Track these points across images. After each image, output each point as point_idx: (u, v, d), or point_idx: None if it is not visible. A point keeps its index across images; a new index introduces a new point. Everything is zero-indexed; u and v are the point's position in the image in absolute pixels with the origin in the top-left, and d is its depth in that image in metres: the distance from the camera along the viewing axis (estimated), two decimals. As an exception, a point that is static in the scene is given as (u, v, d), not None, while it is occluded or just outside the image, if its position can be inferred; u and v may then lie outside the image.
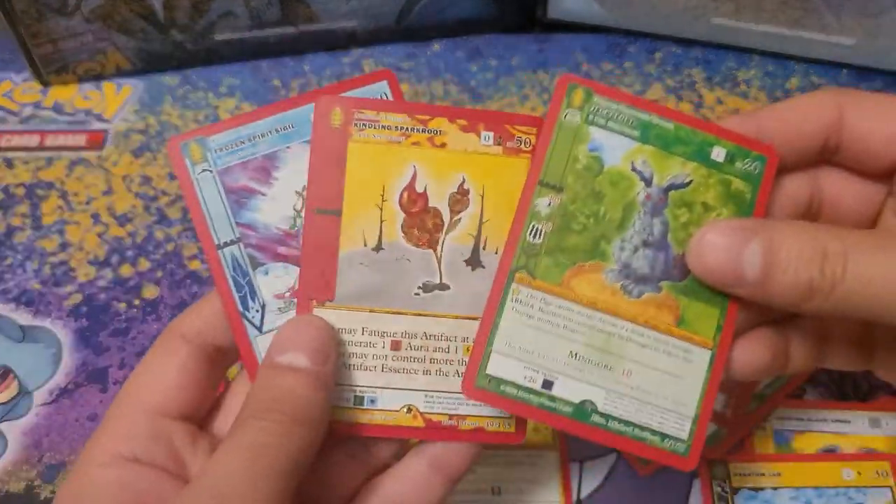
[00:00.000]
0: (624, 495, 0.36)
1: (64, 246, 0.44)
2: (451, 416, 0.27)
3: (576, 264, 0.27)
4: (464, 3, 0.51)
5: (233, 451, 0.23)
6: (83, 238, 0.44)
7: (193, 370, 0.28)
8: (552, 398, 0.26)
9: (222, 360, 0.29)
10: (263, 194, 0.28)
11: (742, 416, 0.37)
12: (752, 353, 0.28)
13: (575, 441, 0.37)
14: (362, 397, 0.27)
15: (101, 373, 0.40)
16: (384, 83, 0.29)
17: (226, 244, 0.28)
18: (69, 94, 0.50)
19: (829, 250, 0.25)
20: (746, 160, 0.28)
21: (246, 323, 0.28)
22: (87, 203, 0.45)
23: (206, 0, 0.47)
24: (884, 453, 0.36)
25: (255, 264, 0.28)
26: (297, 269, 0.28)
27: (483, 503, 0.35)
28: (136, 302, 0.42)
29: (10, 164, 0.47)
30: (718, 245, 0.26)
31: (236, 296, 0.28)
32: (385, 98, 0.29)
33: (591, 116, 0.27)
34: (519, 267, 0.27)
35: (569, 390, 0.27)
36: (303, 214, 0.28)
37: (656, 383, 0.27)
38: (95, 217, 0.45)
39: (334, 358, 0.26)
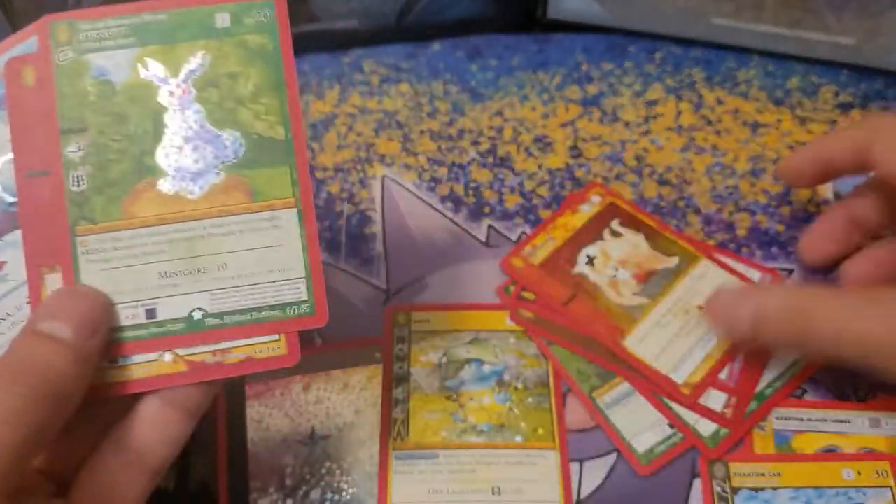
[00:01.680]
0: (624, 495, 0.36)
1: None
2: (214, 353, 0.27)
3: (128, 191, 0.26)
4: (464, 3, 0.51)
5: None
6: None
7: None
8: (160, 324, 0.26)
9: None
10: None
11: (742, 417, 0.37)
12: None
13: (575, 441, 0.37)
14: (115, 358, 0.26)
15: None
16: (34, 40, 0.27)
17: None
18: (69, 94, 0.50)
19: (797, 313, 0.32)
20: (253, 12, 0.27)
21: None
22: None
23: (205, 0, 0.47)
24: (884, 453, 0.36)
25: None
26: None
27: (483, 503, 0.35)
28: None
29: (9, 163, 0.47)
30: (723, 306, 0.35)
31: None
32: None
33: (82, 45, 0.27)
34: (76, 220, 0.26)
35: (173, 309, 0.26)
36: None
37: (255, 262, 0.27)
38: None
39: (104, 332, 0.26)
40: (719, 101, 0.49)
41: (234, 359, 0.27)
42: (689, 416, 0.37)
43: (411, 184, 0.46)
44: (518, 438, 0.37)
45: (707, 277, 0.40)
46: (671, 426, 0.37)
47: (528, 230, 0.44)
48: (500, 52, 0.52)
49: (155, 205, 0.26)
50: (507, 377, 0.39)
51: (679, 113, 0.49)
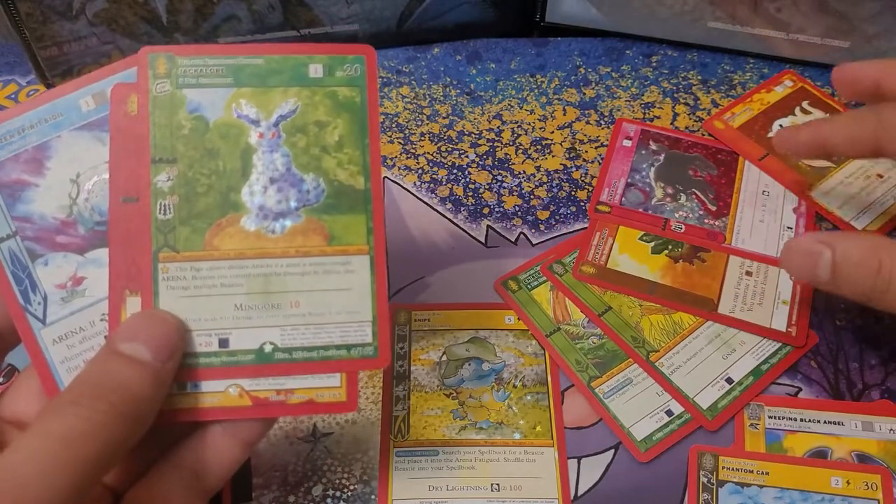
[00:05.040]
0: (621, 491, 0.36)
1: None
2: (278, 392, 0.28)
3: (213, 224, 0.27)
4: (463, 8, 0.51)
5: (39, 436, 0.22)
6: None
7: None
8: (232, 353, 0.27)
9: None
10: (37, 185, 0.28)
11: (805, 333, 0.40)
12: None
13: (573, 438, 0.38)
14: (185, 383, 0.27)
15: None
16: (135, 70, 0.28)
17: (1, 239, 0.28)
18: (73, 97, 0.50)
19: (883, 266, 0.31)
20: (345, 66, 0.28)
21: (29, 316, 0.28)
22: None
23: (209, 4, 0.47)
24: (877, 466, 0.36)
25: (34, 256, 0.28)
26: (77, 257, 0.28)
27: (482, 500, 0.36)
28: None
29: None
30: (803, 250, 0.34)
31: (17, 290, 0.27)
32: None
33: (180, 80, 0.27)
34: (160, 247, 0.27)
35: (245, 340, 0.27)
36: (78, 202, 0.28)
37: (326, 303, 0.28)
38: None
39: (179, 356, 0.26)
40: (715, 104, 0.50)
41: (296, 399, 0.28)
42: (690, 390, 0.38)
43: (412, 185, 0.46)
44: (517, 436, 0.37)
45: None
46: (668, 414, 0.38)
47: (526, 231, 0.44)
48: (499, 56, 0.53)
49: (236, 240, 0.27)
50: (506, 375, 0.39)
51: (675, 115, 0.49)
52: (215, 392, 0.27)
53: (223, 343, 0.27)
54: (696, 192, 0.45)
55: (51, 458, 0.22)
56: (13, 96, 0.51)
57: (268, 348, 0.27)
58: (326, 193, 0.28)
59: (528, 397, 0.38)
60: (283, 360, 0.27)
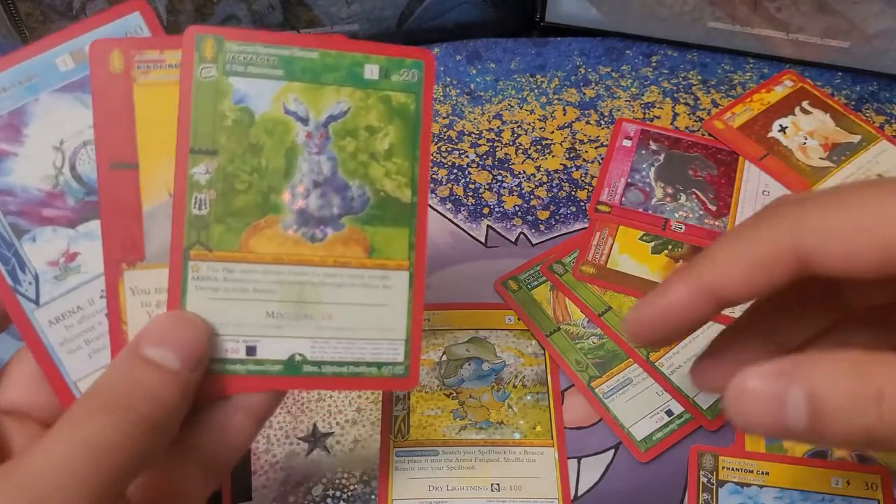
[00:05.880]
0: (621, 490, 0.36)
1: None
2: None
3: (250, 224, 0.26)
4: (463, 8, 0.51)
5: (69, 444, 0.21)
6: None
7: None
8: (259, 362, 0.26)
9: None
10: (16, 154, 0.25)
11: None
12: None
13: (573, 438, 0.38)
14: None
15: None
16: (136, 15, 0.26)
17: None
18: (73, 97, 0.50)
19: (885, 392, 0.20)
20: (402, 70, 0.26)
21: (20, 297, 0.25)
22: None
23: (209, 4, 0.47)
24: (877, 466, 0.36)
25: (20, 232, 0.26)
26: (68, 231, 0.26)
27: (482, 500, 0.36)
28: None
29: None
30: (758, 394, 0.21)
31: (3, 270, 0.25)
32: (140, 32, 0.26)
33: (227, 66, 0.25)
34: (191, 243, 0.25)
35: (273, 350, 0.26)
36: (64, 171, 0.26)
37: (360, 318, 0.26)
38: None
39: (205, 365, 0.25)
40: (715, 104, 0.50)
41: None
42: (690, 390, 0.38)
43: (411, 185, 0.46)
44: (517, 436, 0.37)
45: (886, 154, 0.47)
46: (668, 414, 0.38)
47: (526, 231, 0.44)
48: (499, 56, 0.53)
49: (274, 244, 0.26)
50: (506, 375, 0.39)
51: (675, 115, 0.49)
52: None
53: (251, 351, 0.26)
54: (696, 192, 0.45)
55: (79, 468, 0.21)
56: (13, 96, 0.51)
57: (296, 360, 0.26)
58: (371, 203, 0.26)
59: (528, 397, 0.38)
60: (311, 373, 0.26)
